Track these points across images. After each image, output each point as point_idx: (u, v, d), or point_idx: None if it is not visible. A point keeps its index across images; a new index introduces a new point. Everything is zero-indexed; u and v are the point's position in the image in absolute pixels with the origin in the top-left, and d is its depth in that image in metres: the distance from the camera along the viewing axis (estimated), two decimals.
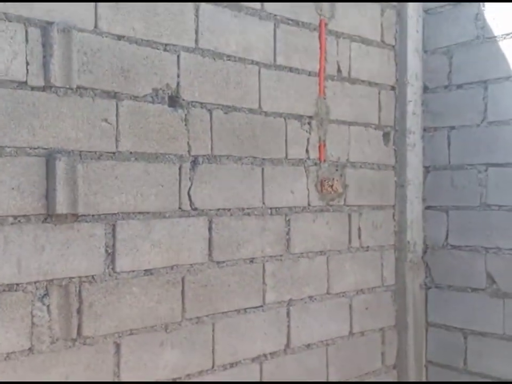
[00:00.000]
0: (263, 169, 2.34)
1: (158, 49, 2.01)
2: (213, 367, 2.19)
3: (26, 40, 1.71)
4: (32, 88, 1.72)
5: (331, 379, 2.62)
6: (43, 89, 1.74)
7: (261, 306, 2.35)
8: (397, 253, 2.93)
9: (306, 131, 2.49)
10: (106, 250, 1.90)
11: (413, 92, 2.94)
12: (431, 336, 2.97)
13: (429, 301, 2.98)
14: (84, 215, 1.84)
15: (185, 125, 2.08)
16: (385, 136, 2.88)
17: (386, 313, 2.89)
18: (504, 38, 2.71)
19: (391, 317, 2.91)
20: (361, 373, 2.76)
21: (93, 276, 1.87)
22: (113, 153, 1.90)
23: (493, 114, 2.75)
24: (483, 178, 2.79)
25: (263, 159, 2.34)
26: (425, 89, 2.99)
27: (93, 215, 1.86)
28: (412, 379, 2.91)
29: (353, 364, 2.72)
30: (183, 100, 2.08)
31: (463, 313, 2.83)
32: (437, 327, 2.95)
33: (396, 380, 2.92)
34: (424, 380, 2.96)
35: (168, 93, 2.04)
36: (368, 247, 2.79)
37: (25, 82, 1.71)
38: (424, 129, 2.99)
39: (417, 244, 2.96)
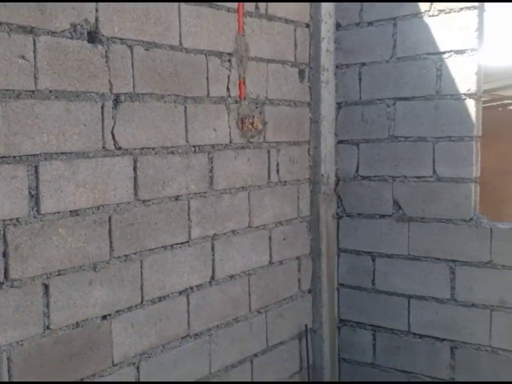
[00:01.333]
0: (185, 107, 2.34)
1: None
2: (142, 302, 2.25)
3: None
4: None
5: (253, 307, 2.76)
6: None
7: (187, 241, 2.41)
8: (312, 186, 3.08)
9: (227, 68, 2.50)
10: (30, 192, 1.86)
11: (326, 29, 3.01)
12: (342, 261, 3.20)
13: (340, 229, 3.19)
14: (5, 157, 1.77)
15: (106, 62, 2.03)
16: (301, 73, 2.95)
17: (302, 242, 3.06)
18: None
19: (307, 245, 3.09)
20: (279, 298, 2.94)
21: (17, 219, 1.83)
22: (32, 91, 1.83)
23: (402, 50, 2.90)
24: (391, 112, 2.96)
25: (186, 97, 2.34)
26: (338, 26, 3.07)
27: (14, 157, 1.80)
28: (325, 301, 3.13)
29: (272, 291, 2.89)
30: (103, 35, 2.01)
31: (372, 238, 3.07)
32: (347, 253, 3.18)
33: (311, 302, 3.13)
34: (336, 301, 3.20)
35: (87, 29, 1.96)
36: (285, 181, 2.91)
37: None
38: (337, 66, 3.10)
39: (330, 177, 3.13)
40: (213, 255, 2.54)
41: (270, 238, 2.84)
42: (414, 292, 2.94)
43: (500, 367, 2.72)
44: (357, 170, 3.10)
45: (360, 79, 3.05)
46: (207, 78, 2.42)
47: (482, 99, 2.81)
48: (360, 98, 3.05)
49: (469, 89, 2.73)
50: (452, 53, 2.76)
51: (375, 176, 3.04)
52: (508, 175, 4.44)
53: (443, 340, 2.87)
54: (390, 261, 3.02)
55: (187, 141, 2.37)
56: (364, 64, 3.02)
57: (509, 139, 4.48)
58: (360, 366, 3.14)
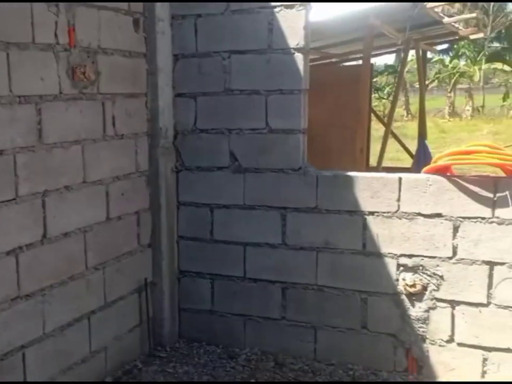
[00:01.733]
0: (8, 54, 2.16)
1: None
2: None
3: None
4: None
5: (90, 264, 2.71)
6: None
7: (14, 199, 2.27)
8: (150, 139, 3.05)
9: (54, 13, 2.34)
10: None
11: None
12: (182, 214, 3.24)
13: (180, 183, 3.22)
14: None
15: None
16: (135, 22, 2.86)
17: (141, 197, 3.04)
18: None
19: (146, 200, 3.08)
20: (118, 254, 2.91)
21: None
22: None
23: (236, 3, 2.92)
24: (227, 65, 3.01)
25: (8, 43, 2.15)
26: None
27: None
28: (165, 254, 3.17)
29: (111, 247, 2.85)
30: None
31: (210, 191, 3.15)
32: (187, 205, 3.22)
33: (150, 256, 3.14)
34: (176, 253, 3.25)
35: None
36: (122, 135, 2.84)
37: None
38: (173, 17, 3.04)
39: (168, 130, 3.11)
40: (44, 212, 2.42)
41: (107, 193, 2.78)
42: (250, 239, 3.09)
43: (324, 303, 2.99)
44: (195, 123, 3.12)
45: (196, 30, 3.03)
46: (32, 23, 2.24)
47: (313, 56, 2.96)
48: (197, 50, 3.05)
49: (297, 44, 2.85)
50: (282, 7, 2.85)
51: (212, 129, 3.09)
52: (334, 128, 4.79)
53: (275, 282, 3.08)
54: (227, 212, 3.13)
55: (11, 91, 2.19)
56: (199, 15, 3.01)
57: (335, 94, 4.80)
58: (199, 314, 3.25)
